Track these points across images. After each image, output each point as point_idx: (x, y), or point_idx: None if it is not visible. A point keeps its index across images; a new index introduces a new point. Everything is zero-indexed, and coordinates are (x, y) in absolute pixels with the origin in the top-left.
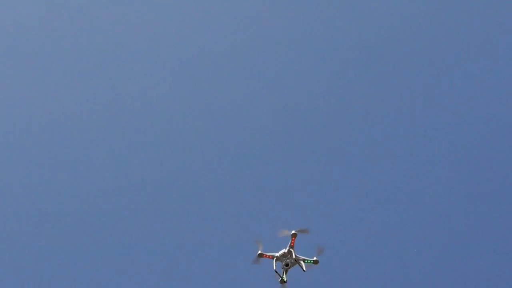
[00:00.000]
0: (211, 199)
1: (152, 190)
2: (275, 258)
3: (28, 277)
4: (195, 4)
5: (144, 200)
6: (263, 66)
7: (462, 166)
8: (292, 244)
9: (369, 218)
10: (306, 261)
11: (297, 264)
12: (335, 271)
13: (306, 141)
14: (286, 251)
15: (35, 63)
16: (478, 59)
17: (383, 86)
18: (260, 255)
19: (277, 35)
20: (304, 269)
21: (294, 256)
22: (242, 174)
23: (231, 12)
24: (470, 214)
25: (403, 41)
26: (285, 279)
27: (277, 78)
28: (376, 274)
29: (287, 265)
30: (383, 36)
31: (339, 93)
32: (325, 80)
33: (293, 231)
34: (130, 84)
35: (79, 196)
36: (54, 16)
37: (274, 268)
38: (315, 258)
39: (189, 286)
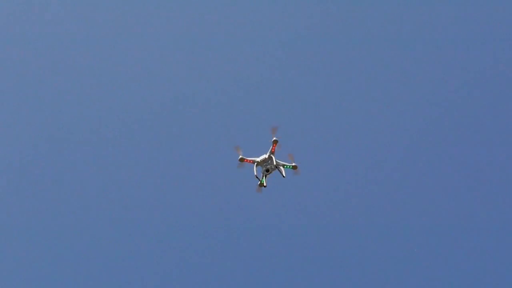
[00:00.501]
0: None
1: None
2: (255, 163)
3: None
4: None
5: None
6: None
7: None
8: (273, 150)
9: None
10: (285, 166)
11: (277, 170)
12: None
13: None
14: (266, 156)
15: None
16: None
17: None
18: (242, 160)
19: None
20: (284, 175)
21: (274, 162)
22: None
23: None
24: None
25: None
26: (264, 184)
27: None
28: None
29: (267, 170)
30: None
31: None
32: None
33: (274, 138)
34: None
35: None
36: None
37: (255, 173)
38: (293, 164)
39: (176, 190)
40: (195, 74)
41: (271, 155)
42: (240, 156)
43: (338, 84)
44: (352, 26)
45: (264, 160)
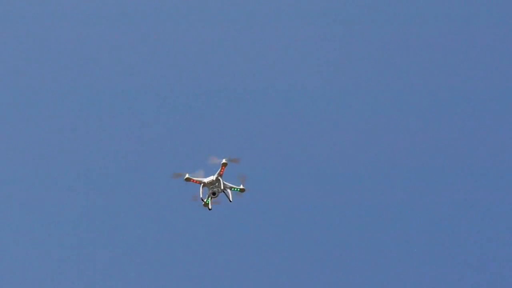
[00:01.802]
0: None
1: None
2: (202, 184)
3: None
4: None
5: None
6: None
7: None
8: (221, 172)
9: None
10: (233, 189)
11: (223, 193)
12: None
13: None
14: (214, 178)
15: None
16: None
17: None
18: (188, 179)
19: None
20: (231, 199)
21: (222, 186)
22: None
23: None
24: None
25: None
26: (210, 206)
27: None
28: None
29: (214, 193)
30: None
31: None
32: None
33: (224, 160)
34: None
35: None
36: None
37: (201, 195)
38: (241, 187)
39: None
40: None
41: (219, 178)
42: (187, 176)
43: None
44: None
45: (211, 182)
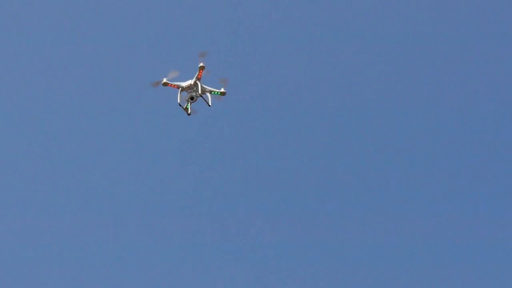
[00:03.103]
0: None
1: None
2: (180, 89)
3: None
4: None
5: None
6: None
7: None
8: (199, 76)
9: None
10: (213, 92)
11: (202, 98)
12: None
13: None
14: (192, 82)
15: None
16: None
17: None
18: (165, 84)
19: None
20: (210, 104)
21: (200, 90)
22: None
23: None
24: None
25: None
26: (189, 111)
27: None
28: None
29: (192, 98)
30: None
31: None
32: None
33: (201, 64)
34: None
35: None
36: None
37: (179, 101)
38: (222, 90)
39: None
40: None
41: (197, 81)
42: (164, 80)
43: None
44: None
45: (189, 86)
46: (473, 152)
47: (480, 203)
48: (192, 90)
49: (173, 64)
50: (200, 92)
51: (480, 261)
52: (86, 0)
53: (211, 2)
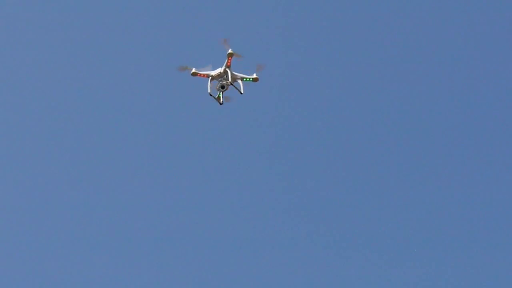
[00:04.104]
0: None
1: None
2: (210, 78)
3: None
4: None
5: None
6: None
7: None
8: (228, 64)
9: None
10: (245, 79)
11: (233, 86)
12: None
13: None
14: (222, 71)
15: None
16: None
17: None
18: (194, 74)
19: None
20: (242, 91)
21: (230, 78)
22: None
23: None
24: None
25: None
26: (221, 100)
27: None
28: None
29: (222, 87)
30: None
31: None
32: None
33: (230, 51)
34: None
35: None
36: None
37: (209, 91)
38: (255, 76)
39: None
40: None
41: (227, 69)
42: (193, 70)
43: None
44: None
45: (219, 75)
46: (473, 152)
47: (480, 203)
48: (222, 78)
49: (202, 54)
50: (230, 80)
51: (480, 261)
52: None
53: None
